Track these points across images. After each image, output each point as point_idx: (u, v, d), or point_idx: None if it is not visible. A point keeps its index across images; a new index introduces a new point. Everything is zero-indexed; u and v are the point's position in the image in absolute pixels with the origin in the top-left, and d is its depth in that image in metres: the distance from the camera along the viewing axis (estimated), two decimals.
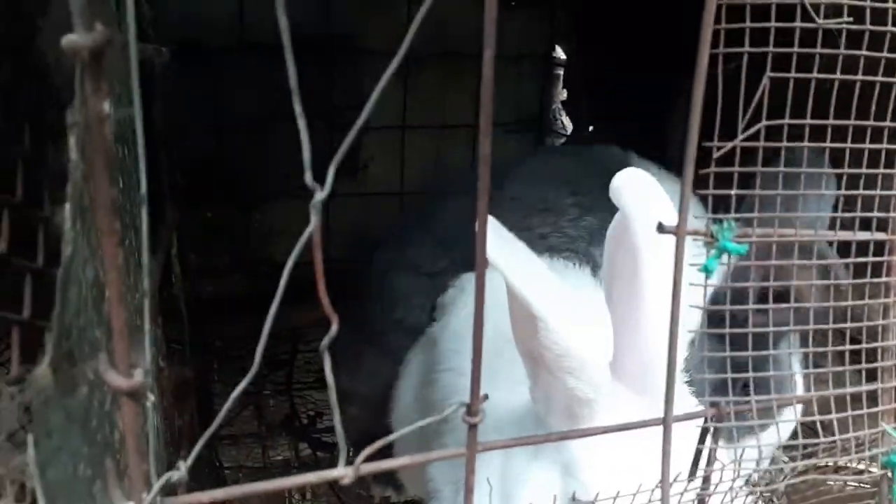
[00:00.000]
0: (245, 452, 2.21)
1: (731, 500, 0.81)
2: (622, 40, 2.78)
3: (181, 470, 0.57)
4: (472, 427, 0.67)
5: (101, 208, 0.50)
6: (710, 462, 0.78)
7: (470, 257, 0.64)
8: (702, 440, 0.80)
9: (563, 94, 3.28)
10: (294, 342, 2.65)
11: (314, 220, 0.57)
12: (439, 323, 1.58)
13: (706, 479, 0.78)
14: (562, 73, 3.28)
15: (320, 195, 0.56)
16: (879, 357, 0.77)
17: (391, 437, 0.65)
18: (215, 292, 2.68)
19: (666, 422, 0.73)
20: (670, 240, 0.68)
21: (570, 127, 3.30)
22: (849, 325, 0.74)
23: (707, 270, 0.70)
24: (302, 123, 0.55)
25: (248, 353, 2.76)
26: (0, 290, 0.61)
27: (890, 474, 0.79)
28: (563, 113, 3.32)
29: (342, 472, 0.62)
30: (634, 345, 0.92)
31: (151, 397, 0.55)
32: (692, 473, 0.78)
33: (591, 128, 3.12)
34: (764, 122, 0.70)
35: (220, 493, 0.60)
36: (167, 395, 0.94)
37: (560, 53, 3.26)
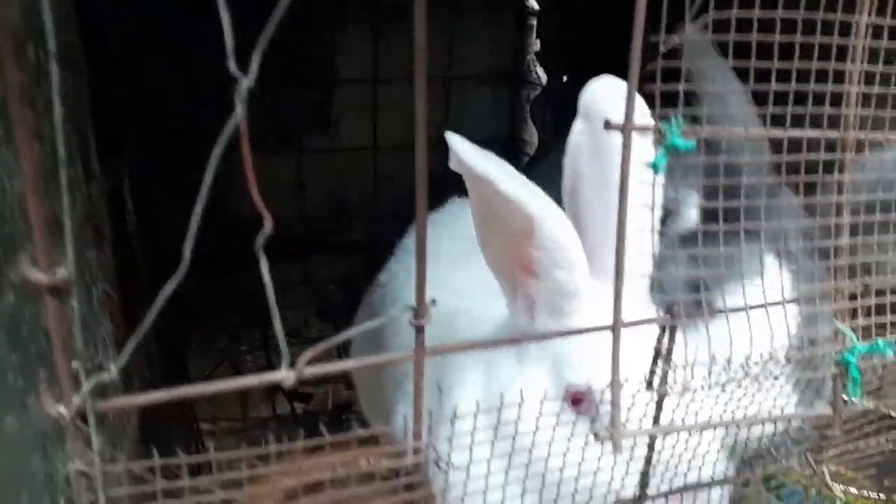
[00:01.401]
0: (222, 409, 2.20)
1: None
2: None
3: (112, 371, 0.55)
4: (420, 330, 0.67)
5: (12, 96, 0.48)
6: (666, 361, 0.77)
7: None
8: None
9: (537, 45, 3.23)
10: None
11: (239, 111, 0.55)
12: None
13: (663, 379, 0.77)
14: (535, 23, 3.24)
15: (246, 82, 0.54)
16: (832, 255, 0.76)
17: (338, 338, 0.64)
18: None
19: (615, 326, 0.73)
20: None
21: (544, 78, 3.26)
22: (803, 224, 0.74)
23: (655, 167, 0.69)
24: (223, 4, 0.53)
25: (224, 312, 2.74)
26: None
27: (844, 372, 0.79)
28: (537, 64, 3.28)
29: (285, 375, 0.61)
30: (607, 239, 0.94)
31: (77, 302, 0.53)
32: (652, 373, 0.78)
33: (564, 78, 3.09)
34: (711, 14, 0.68)
35: (159, 395, 0.59)
36: (117, 323, 0.92)
37: (533, 3, 3.21)
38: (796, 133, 0.73)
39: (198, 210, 0.57)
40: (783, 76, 0.73)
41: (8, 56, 0.47)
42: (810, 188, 0.79)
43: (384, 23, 2.94)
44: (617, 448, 0.69)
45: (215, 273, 2.55)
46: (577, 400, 0.99)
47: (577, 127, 0.99)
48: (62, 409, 0.54)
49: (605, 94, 0.95)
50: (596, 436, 0.70)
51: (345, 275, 3.13)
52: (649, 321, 0.76)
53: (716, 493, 0.93)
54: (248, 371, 2.41)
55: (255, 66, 0.54)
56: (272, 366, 2.44)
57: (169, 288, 0.57)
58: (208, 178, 0.56)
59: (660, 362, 0.79)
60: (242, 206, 2.89)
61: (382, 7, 2.88)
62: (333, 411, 2.24)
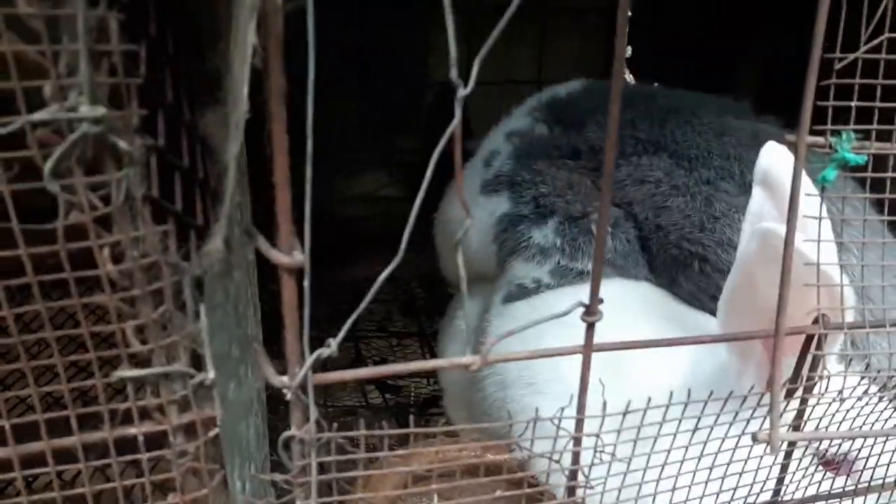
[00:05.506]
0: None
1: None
2: None
3: (333, 347, 0.61)
4: (590, 326, 0.70)
5: (273, 94, 0.54)
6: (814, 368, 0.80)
7: None
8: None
9: (629, 51, 3.23)
10: (357, 294, 2.71)
11: (458, 114, 0.60)
12: None
13: (809, 388, 0.80)
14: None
15: (462, 92, 0.59)
16: None
17: (515, 330, 0.69)
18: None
19: (777, 332, 0.75)
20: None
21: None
22: None
23: (825, 181, 0.72)
24: (449, 19, 0.58)
25: (313, 306, 2.83)
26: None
27: None
28: (628, 70, 3.28)
29: (471, 359, 0.66)
30: None
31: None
32: (794, 381, 0.80)
33: (655, 85, 3.08)
34: (887, 35, 0.70)
35: (363, 373, 0.64)
36: None
37: None
38: None
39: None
40: None
41: (276, 62, 0.53)
42: None
43: (476, 26, 2.98)
44: (774, 450, 0.71)
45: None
46: None
47: (757, 194, 0.99)
48: (286, 381, 0.60)
49: (782, 162, 0.96)
50: (753, 437, 0.72)
51: (427, 273, 3.20)
52: (805, 330, 0.79)
53: None
54: (339, 362, 2.48)
55: (474, 74, 0.59)
56: (360, 357, 2.52)
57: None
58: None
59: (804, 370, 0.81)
60: (336, 207, 2.98)
61: (474, 8, 2.92)
62: (421, 405, 2.30)
